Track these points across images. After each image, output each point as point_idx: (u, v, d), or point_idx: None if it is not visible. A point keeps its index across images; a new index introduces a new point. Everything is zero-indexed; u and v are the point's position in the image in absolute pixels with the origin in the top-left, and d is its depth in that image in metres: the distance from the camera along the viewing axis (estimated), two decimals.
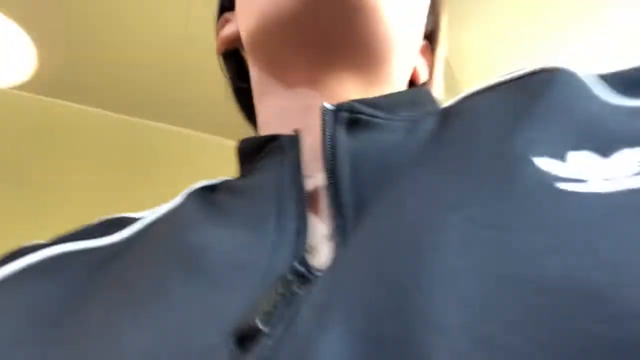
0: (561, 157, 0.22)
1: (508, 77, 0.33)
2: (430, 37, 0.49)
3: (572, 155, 0.23)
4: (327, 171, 0.30)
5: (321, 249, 0.28)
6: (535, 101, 0.28)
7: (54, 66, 1.61)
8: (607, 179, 0.20)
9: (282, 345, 0.19)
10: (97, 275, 0.30)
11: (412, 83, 0.46)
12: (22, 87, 1.68)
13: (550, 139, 0.24)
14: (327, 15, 0.35)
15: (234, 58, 0.50)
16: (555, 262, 0.16)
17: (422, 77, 0.47)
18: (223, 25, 0.48)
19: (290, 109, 0.38)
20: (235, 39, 0.45)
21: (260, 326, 0.21)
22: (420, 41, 0.44)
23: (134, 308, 0.25)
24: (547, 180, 0.21)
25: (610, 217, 0.17)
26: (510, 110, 0.28)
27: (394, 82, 0.40)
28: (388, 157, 0.31)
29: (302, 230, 0.28)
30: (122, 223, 0.36)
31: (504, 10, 1.53)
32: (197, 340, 0.22)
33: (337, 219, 0.28)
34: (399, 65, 0.40)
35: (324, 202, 0.32)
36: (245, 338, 0.21)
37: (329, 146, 0.32)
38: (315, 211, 0.32)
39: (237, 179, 0.39)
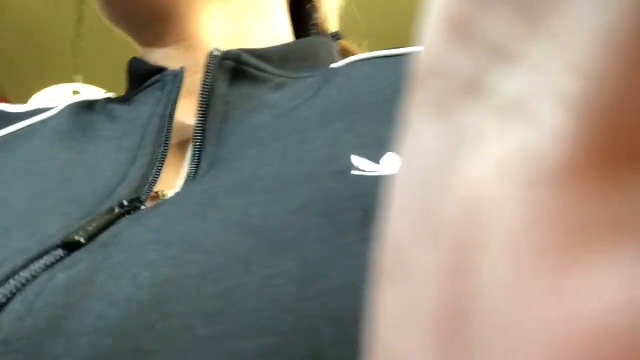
0: (377, 160, 0.24)
1: (395, 51, 0.34)
2: None
3: (385, 157, 0.24)
4: (199, 117, 0.31)
5: (176, 186, 0.29)
6: (391, 87, 0.29)
7: None
8: None
9: (81, 260, 0.21)
10: None
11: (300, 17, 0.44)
12: None
13: (378, 137, 0.26)
14: None
15: None
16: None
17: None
18: None
19: (178, 48, 0.38)
20: None
21: (81, 240, 0.22)
22: None
23: None
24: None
25: None
26: (370, 92, 0.30)
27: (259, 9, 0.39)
28: (262, 116, 0.31)
29: (153, 165, 0.29)
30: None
31: None
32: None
33: (192, 166, 0.29)
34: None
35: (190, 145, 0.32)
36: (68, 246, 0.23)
37: (207, 93, 0.32)
38: (185, 150, 0.32)
39: (119, 101, 0.38)
